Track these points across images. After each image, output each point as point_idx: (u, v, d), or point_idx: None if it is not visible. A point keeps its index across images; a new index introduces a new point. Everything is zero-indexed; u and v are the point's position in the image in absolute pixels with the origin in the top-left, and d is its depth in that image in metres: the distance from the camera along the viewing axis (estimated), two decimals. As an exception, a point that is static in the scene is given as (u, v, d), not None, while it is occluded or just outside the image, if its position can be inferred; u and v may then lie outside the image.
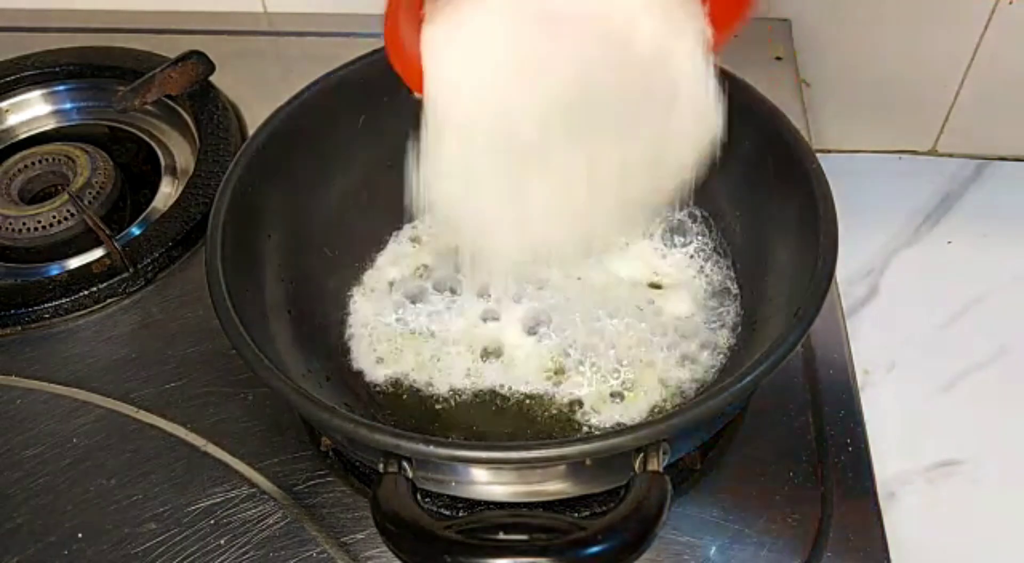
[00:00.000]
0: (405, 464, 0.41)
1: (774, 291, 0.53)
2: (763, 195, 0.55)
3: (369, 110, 0.62)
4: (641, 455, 0.41)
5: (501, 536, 0.37)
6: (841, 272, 0.66)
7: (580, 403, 0.54)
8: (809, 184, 0.50)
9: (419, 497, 0.40)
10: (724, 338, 0.56)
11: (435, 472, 0.46)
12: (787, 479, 0.53)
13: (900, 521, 0.61)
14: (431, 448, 0.41)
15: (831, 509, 0.52)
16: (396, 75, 0.59)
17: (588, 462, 0.44)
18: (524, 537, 0.37)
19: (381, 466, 0.41)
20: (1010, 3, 0.77)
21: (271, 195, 0.56)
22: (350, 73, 0.59)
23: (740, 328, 0.56)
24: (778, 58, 0.80)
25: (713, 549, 0.51)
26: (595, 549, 0.36)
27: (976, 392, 0.68)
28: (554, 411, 0.54)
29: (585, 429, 0.53)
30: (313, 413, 0.43)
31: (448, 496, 0.52)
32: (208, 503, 0.53)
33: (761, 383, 0.43)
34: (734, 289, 0.58)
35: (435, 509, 0.53)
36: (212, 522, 0.52)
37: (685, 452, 0.52)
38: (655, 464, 0.40)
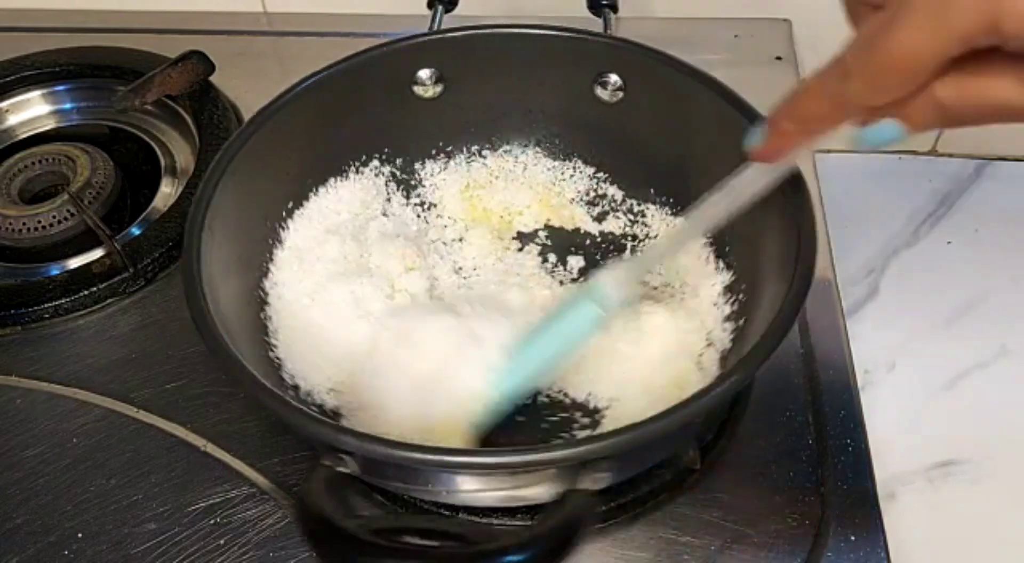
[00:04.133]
0: (347, 458, 0.41)
1: (760, 321, 0.52)
2: (762, 223, 0.53)
3: (358, 109, 0.62)
4: (580, 472, 0.40)
5: (408, 539, 0.36)
6: (841, 272, 0.66)
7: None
8: (794, 216, 0.48)
9: (343, 491, 0.40)
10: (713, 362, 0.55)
11: (374, 471, 0.45)
12: (787, 479, 0.53)
13: (900, 521, 0.61)
14: (344, 437, 0.40)
15: (831, 509, 0.52)
16: (383, 73, 0.60)
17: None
18: (434, 543, 0.36)
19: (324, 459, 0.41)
20: (1010, 3, 0.76)
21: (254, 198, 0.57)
22: (336, 72, 0.59)
23: (730, 354, 0.55)
24: (778, 58, 0.80)
25: (713, 549, 0.51)
26: (501, 560, 0.35)
27: (976, 392, 0.68)
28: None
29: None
30: (251, 389, 0.43)
31: (408, 498, 0.52)
32: (208, 503, 0.53)
33: (702, 415, 0.42)
34: (732, 320, 0.57)
35: (398, 510, 0.53)
36: (212, 522, 0.52)
37: (638, 471, 0.51)
38: (588, 482, 0.40)
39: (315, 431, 0.41)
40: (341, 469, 0.41)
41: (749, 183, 0.46)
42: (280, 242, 0.60)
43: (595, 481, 0.40)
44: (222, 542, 0.51)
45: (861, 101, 0.37)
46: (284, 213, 0.60)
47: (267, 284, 0.58)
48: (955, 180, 0.84)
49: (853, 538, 0.51)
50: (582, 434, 0.53)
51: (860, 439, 0.55)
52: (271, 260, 0.59)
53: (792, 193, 0.49)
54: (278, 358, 0.56)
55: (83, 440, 0.56)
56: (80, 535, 0.52)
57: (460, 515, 0.52)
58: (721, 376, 0.43)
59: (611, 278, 0.52)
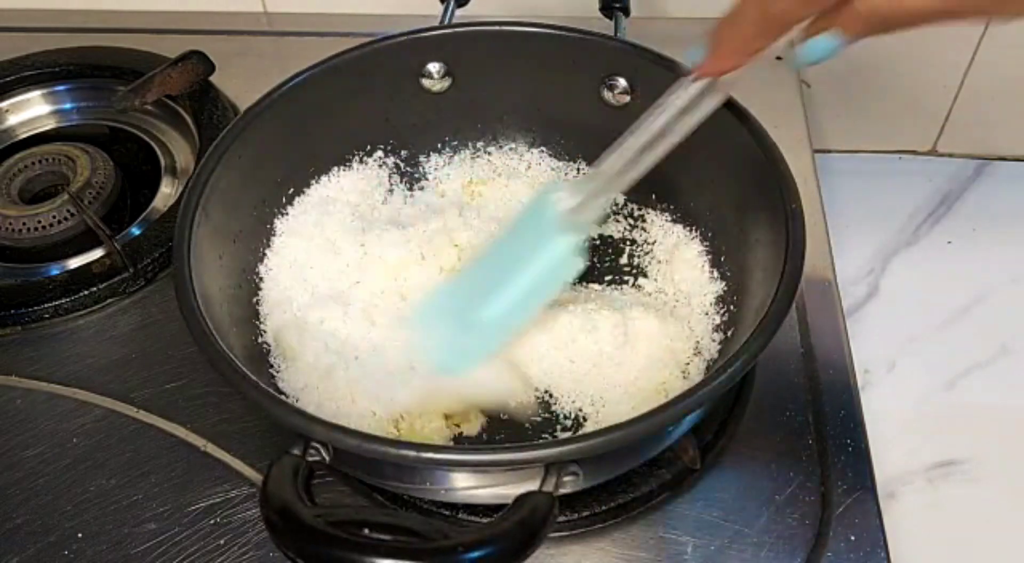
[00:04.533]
0: (320, 447, 0.41)
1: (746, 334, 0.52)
2: (756, 236, 0.54)
3: (365, 98, 0.62)
4: (544, 473, 0.40)
5: (365, 532, 0.36)
6: (841, 272, 0.66)
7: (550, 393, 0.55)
8: (784, 227, 0.49)
9: (309, 480, 0.40)
10: (699, 371, 0.55)
11: (348, 462, 0.46)
12: (787, 479, 0.53)
13: (900, 521, 0.61)
14: (335, 434, 0.41)
15: (831, 509, 0.52)
16: (393, 64, 0.61)
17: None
18: (387, 537, 0.36)
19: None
20: (1010, 3, 0.76)
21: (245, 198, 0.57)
22: (346, 60, 0.59)
23: (716, 363, 0.55)
24: (778, 58, 0.80)
25: (713, 549, 0.51)
26: (453, 559, 0.36)
27: (976, 392, 0.68)
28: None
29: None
30: (229, 375, 0.43)
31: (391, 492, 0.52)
32: (208, 503, 0.53)
33: (680, 419, 0.43)
34: (720, 330, 0.57)
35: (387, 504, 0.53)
36: (212, 522, 0.52)
37: (613, 475, 0.51)
38: (550, 485, 0.40)
39: (282, 416, 0.42)
40: (311, 458, 0.41)
41: (695, 103, 0.48)
42: (278, 228, 0.60)
43: (559, 484, 0.40)
44: (222, 542, 0.51)
45: (793, 15, 0.39)
46: (284, 199, 0.61)
47: (262, 269, 0.58)
48: (955, 180, 0.84)
49: (853, 538, 0.51)
50: (564, 436, 0.53)
51: (860, 439, 0.55)
52: (268, 245, 0.59)
53: (785, 203, 0.49)
54: (267, 343, 0.56)
55: (83, 440, 0.56)
56: (80, 535, 0.52)
57: (459, 514, 0.52)
58: (679, 396, 0.42)
59: (572, 197, 0.51)
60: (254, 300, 0.57)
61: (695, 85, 0.47)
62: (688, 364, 0.55)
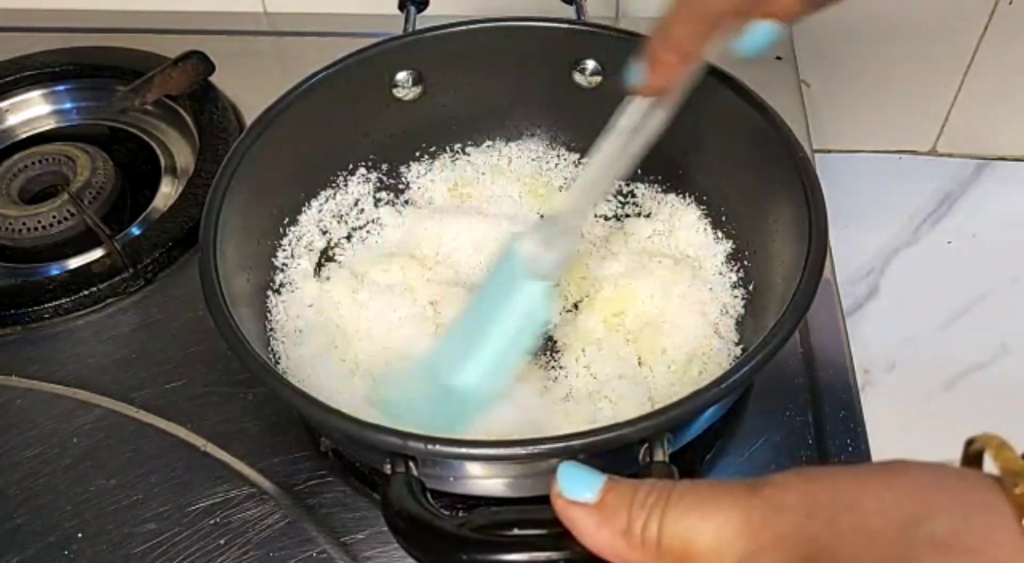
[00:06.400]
0: (411, 463, 0.41)
1: (775, 284, 0.53)
2: (763, 189, 0.55)
3: (341, 119, 0.61)
4: (645, 446, 0.41)
5: (516, 532, 0.36)
6: (841, 272, 0.66)
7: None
8: (799, 175, 0.50)
9: (428, 496, 0.40)
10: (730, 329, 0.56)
11: (435, 469, 0.46)
12: (787, 479, 0.53)
13: (900, 521, 0.61)
14: (436, 447, 0.41)
15: (831, 509, 0.52)
16: (362, 79, 0.60)
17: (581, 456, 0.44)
18: (542, 531, 0.36)
19: (388, 467, 0.41)
20: (1010, 3, 0.77)
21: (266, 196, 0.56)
22: (316, 83, 0.58)
23: (745, 319, 0.56)
24: (778, 58, 0.80)
25: (713, 549, 0.50)
26: None
27: (976, 392, 0.68)
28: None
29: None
30: (317, 415, 0.43)
31: (451, 494, 0.52)
32: (208, 503, 0.53)
33: (755, 375, 0.44)
34: (740, 286, 0.58)
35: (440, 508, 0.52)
36: (212, 522, 0.52)
37: (687, 441, 0.51)
38: (661, 454, 0.41)
39: (382, 440, 0.42)
40: (412, 474, 0.41)
41: (646, 119, 0.48)
42: (278, 265, 0.59)
43: (664, 452, 0.41)
44: (222, 542, 0.51)
45: (724, 6, 0.39)
46: (280, 229, 0.60)
47: (272, 319, 0.57)
48: (955, 180, 0.84)
49: (853, 538, 0.51)
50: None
51: (860, 439, 0.55)
52: (272, 280, 0.58)
53: (793, 156, 0.50)
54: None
55: (83, 440, 0.56)
56: (80, 535, 0.52)
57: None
58: (775, 327, 0.44)
59: (536, 244, 0.51)
60: (271, 343, 0.56)
61: (639, 103, 0.47)
62: (718, 324, 0.56)
